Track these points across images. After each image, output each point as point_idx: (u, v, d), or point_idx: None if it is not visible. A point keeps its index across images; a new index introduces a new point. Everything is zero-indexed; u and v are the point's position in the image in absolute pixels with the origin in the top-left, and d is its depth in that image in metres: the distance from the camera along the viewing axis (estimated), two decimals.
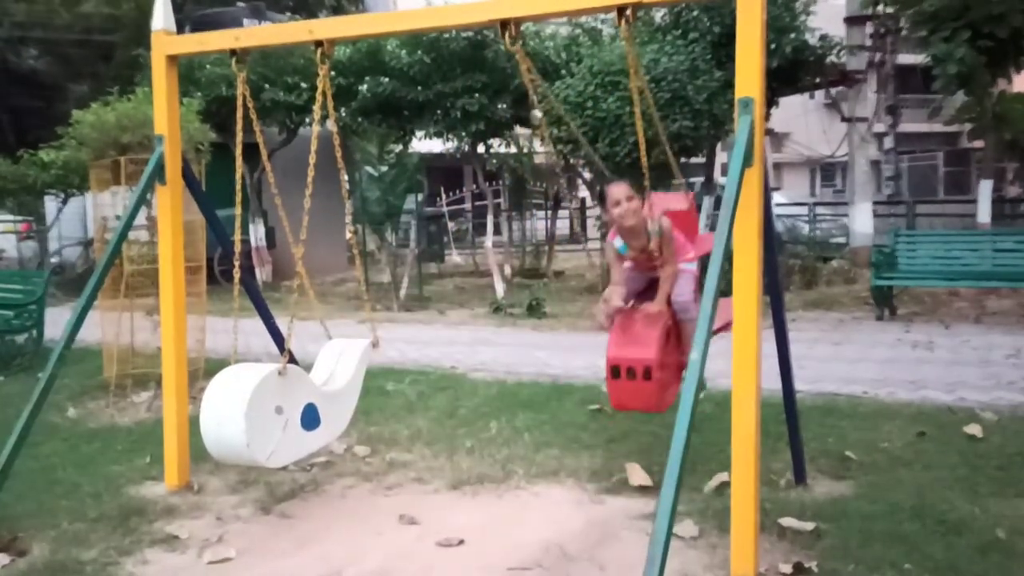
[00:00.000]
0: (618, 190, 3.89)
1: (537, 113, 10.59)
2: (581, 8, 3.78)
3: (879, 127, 19.18)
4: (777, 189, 25.78)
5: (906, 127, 24.36)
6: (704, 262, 3.82)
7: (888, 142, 20.49)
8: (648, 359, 3.69)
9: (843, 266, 13.07)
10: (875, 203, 14.85)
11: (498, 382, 6.75)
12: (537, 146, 15.57)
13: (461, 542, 3.66)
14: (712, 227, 4.62)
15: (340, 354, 4.56)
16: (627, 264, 4.08)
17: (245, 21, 14.59)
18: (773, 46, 10.65)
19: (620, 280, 4.01)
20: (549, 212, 16.91)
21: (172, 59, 4.31)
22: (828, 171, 33.55)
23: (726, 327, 3.83)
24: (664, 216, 3.92)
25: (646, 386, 3.70)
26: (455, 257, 19.65)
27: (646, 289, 4.10)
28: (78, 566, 3.52)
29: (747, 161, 3.10)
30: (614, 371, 3.74)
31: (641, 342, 3.75)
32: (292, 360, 4.07)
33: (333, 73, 6.68)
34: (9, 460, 3.68)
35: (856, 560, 3.32)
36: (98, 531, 3.88)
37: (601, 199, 4.00)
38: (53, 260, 15.94)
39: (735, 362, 3.20)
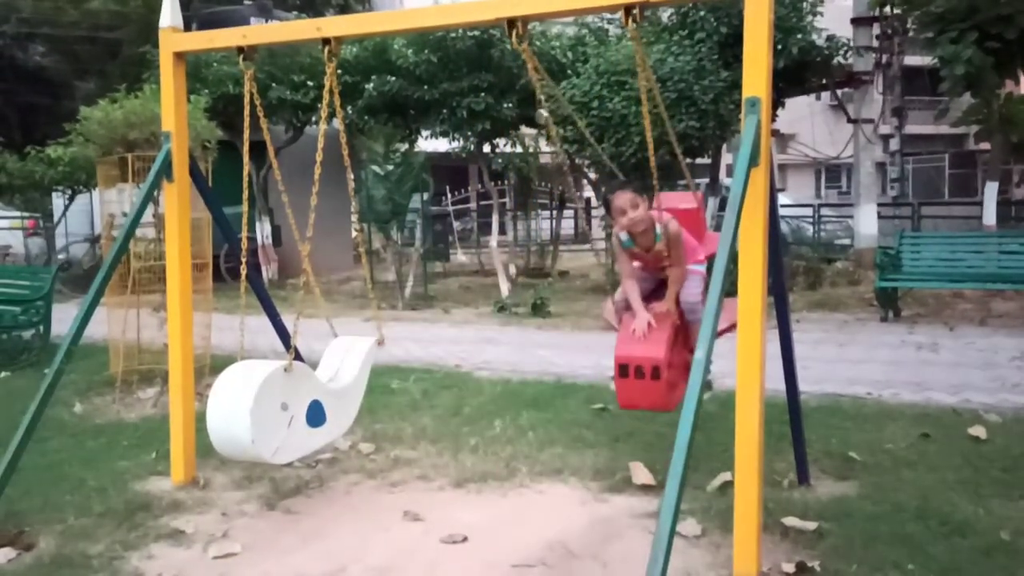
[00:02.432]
0: (622, 199, 3.79)
1: (543, 112, 10.57)
2: (589, 7, 3.79)
3: (885, 129, 19.14)
4: (782, 190, 25.77)
5: (912, 129, 24.32)
6: (712, 262, 3.80)
7: (894, 144, 20.45)
8: (656, 358, 3.66)
9: (847, 267, 13.05)
10: (880, 205, 14.81)
11: (502, 381, 6.76)
12: (543, 146, 15.57)
13: (465, 539, 3.68)
14: (717, 228, 4.60)
15: (346, 351, 4.57)
16: (636, 264, 4.03)
17: (252, 19, 14.64)
18: (780, 46, 10.63)
19: (629, 272, 3.95)
20: (554, 212, 16.91)
21: (180, 56, 4.32)
22: (833, 172, 33.51)
23: (731, 328, 3.82)
24: (672, 219, 3.85)
25: (654, 385, 3.68)
26: (460, 256, 19.68)
27: (655, 289, 4.07)
28: (84, 560, 3.54)
29: (753, 161, 3.10)
30: (622, 370, 3.72)
31: (649, 341, 3.72)
32: (298, 357, 4.09)
33: (340, 71, 6.67)
34: (16, 455, 3.70)
35: (859, 560, 3.32)
36: (104, 526, 3.90)
37: (606, 206, 3.94)
38: (60, 256, 15.99)
39: (739, 362, 3.21)
